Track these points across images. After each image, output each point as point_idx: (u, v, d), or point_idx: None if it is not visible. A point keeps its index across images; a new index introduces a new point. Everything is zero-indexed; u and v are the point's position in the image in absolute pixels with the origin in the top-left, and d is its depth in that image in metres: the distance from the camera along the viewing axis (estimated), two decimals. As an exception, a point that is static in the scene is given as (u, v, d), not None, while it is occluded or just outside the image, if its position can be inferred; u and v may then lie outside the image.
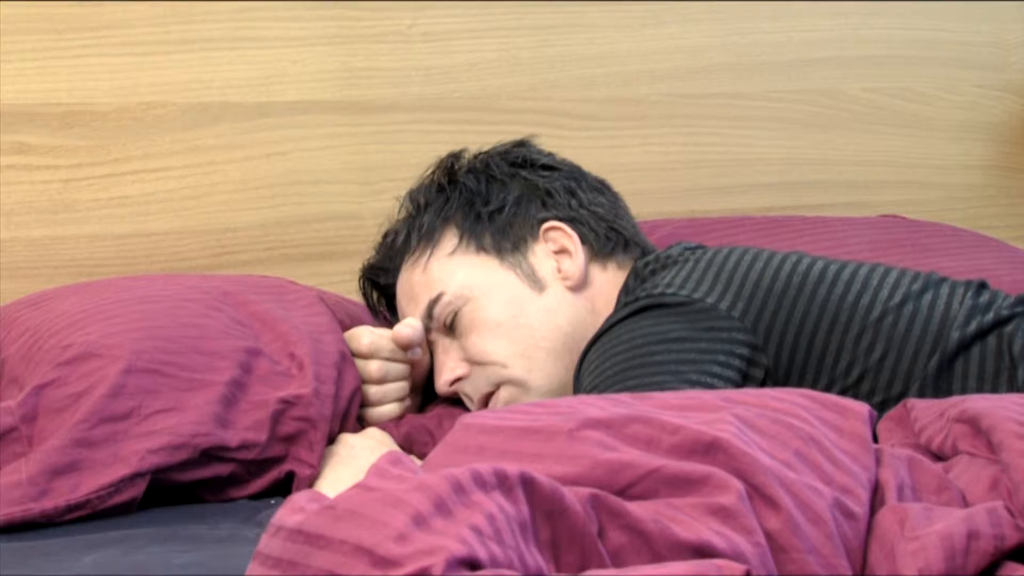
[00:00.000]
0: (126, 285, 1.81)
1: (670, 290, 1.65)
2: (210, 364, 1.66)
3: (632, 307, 1.66)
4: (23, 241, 2.03)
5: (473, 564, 0.92)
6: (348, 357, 1.76)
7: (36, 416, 1.59)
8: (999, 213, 2.53)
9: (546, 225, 1.82)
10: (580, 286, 1.80)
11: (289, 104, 2.14)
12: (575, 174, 1.88)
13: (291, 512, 0.99)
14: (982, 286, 1.67)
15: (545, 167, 1.87)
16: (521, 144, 1.91)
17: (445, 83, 2.22)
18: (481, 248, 1.81)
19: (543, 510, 1.00)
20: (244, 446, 1.62)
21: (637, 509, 1.02)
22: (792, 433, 1.12)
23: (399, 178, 2.00)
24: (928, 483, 1.17)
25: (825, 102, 2.42)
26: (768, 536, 1.04)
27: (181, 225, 2.09)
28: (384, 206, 1.95)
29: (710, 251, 1.72)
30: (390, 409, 1.79)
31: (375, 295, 1.91)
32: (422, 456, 1.70)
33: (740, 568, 0.96)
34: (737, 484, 1.04)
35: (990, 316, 1.62)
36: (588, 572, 0.98)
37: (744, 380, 1.60)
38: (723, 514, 1.03)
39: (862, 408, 1.19)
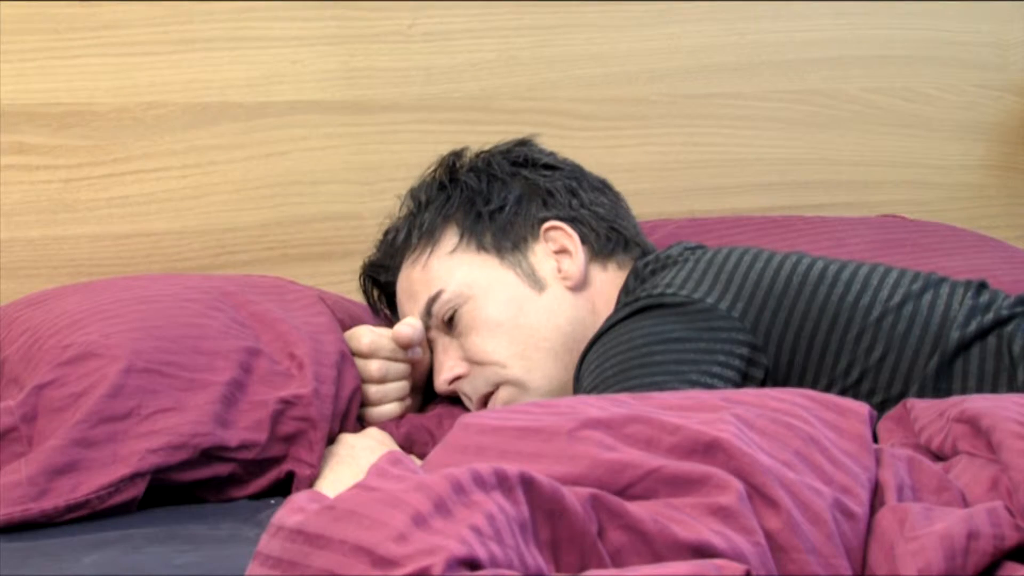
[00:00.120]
0: (126, 285, 1.81)
1: (670, 290, 1.65)
2: (210, 364, 1.66)
3: (632, 307, 1.66)
4: (23, 241, 2.02)
5: (473, 564, 0.92)
6: (348, 357, 1.76)
7: (36, 416, 1.59)
8: (999, 213, 2.53)
9: (547, 225, 1.82)
10: (580, 286, 1.80)
11: (289, 104, 2.14)
12: (576, 174, 1.88)
13: (291, 512, 0.99)
14: (982, 286, 1.68)
15: (547, 166, 1.87)
16: (523, 143, 1.91)
17: (445, 83, 2.22)
18: (482, 247, 1.81)
19: (543, 510, 1.00)
20: (244, 446, 1.62)
21: (637, 509, 1.02)
22: (792, 433, 1.12)
23: (399, 178, 2.00)
24: (928, 483, 1.17)
25: (825, 102, 2.42)
26: (768, 536, 1.04)
27: (181, 225, 2.09)
28: (384, 206, 1.95)
29: (710, 251, 1.72)
30: (390, 408, 1.79)
31: (375, 293, 1.91)
32: (422, 456, 1.70)
33: (740, 568, 0.96)
34: (737, 484, 1.04)
35: (990, 316, 1.62)
36: (588, 572, 0.98)
37: (744, 380, 1.60)
38: (723, 514, 1.03)
39: (862, 408, 1.19)
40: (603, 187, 1.89)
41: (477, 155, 1.89)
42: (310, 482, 1.64)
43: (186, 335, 1.68)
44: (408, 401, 1.82)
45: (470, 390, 1.79)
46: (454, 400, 1.84)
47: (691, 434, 1.08)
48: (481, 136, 1.94)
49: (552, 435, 1.09)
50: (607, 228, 1.84)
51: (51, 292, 1.84)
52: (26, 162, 2.02)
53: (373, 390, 1.79)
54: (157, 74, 2.08)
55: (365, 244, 1.96)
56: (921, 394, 1.58)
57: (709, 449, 1.07)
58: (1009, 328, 1.61)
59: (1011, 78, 2.53)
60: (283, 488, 1.65)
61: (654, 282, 1.70)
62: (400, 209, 1.89)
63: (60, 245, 2.04)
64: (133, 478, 1.56)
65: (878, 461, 1.16)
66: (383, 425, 1.77)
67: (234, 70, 2.11)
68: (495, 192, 1.83)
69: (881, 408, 1.57)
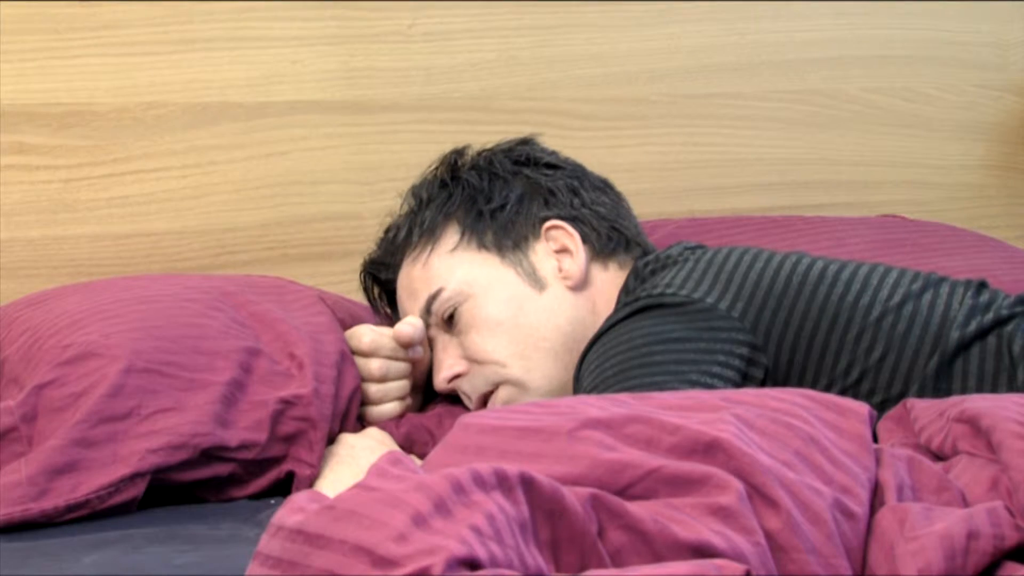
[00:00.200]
0: (126, 285, 1.81)
1: (670, 290, 1.65)
2: (210, 364, 1.66)
3: (632, 307, 1.66)
4: (23, 241, 2.02)
5: (473, 564, 0.92)
6: (348, 357, 1.76)
7: (36, 416, 1.59)
8: (999, 213, 2.53)
9: (548, 224, 1.82)
10: (581, 286, 1.80)
11: (289, 104, 2.14)
12: (578, 173, 1.88)
13: (291, 512, 0.99)
14: (982, 286, 1.68)
15: (548, 165, 1.87)
16: (525, 142, 1.91)
17: (445, 83, 2.22)
18: (482, 245, 1.81)
19: (543, 510, 1.00)
20: (244, 446, 1.62)
21: (637, 509, 1.02)
22: (792, 433, 1.12)
23: (399, 178, 2.00)
24: (928, 483, 1.17)
25: (825, 102, 2.42)
26: (768, 536, 1.04)
27: (181, 225, 2.09)
28: (384, 206, 1.95)
29: (710, 251, 1.72)
30: (391, 408, 1.79)
31: (376, 290, 1.91)
32: (422, 456, 1.70)
33: (740, 568, 0.96)
34: (737, 484, 1.04)
35: (990, 316, 1.62)
36: (588, 572, 0.98)
37: (744, 380, 1.60)
38: (723, 514, 1.03)
39: (862, 408, 1.19)
40: (604, 187, 1.89)
41: (479, 153, 1.89)
42: (310, 482, 1.64)
43: (186, 335, 1.68)
44: (409, 400, 1.82)
45: (469, 389, 1.79)
46: (454, 399, 1.84)
47: (691, 434, 1.08)
48: (481, 136, 1.94)
49: (552, 435, 1.09)
50: (608, 228, 1.84)
51: (51, 292, 1.84)
52: (26, 162, 2.02)
53: (374, 389, 1.79)
54: (157, 74, 2.08)
55: (365, 244, 1.96)
56: (921, 394, 1.58)
57: (709, 449, 1.07)
58: (1009, 328, 1.61)
59: (1011, 78, 2.53)
60: (283, 488, 1.65)
61: (654, 282, 1.70)
62: (401, 207, 1.89)
63: (60, 245, 2.04)
64: (133, 478, 1.56)
65: (878, 461, 1.16)
66: (383, 425, 1.77)
67: (234, 70, 2.11)
68: (496, 190, 1.83)
69: (881, 408, 1.57)
